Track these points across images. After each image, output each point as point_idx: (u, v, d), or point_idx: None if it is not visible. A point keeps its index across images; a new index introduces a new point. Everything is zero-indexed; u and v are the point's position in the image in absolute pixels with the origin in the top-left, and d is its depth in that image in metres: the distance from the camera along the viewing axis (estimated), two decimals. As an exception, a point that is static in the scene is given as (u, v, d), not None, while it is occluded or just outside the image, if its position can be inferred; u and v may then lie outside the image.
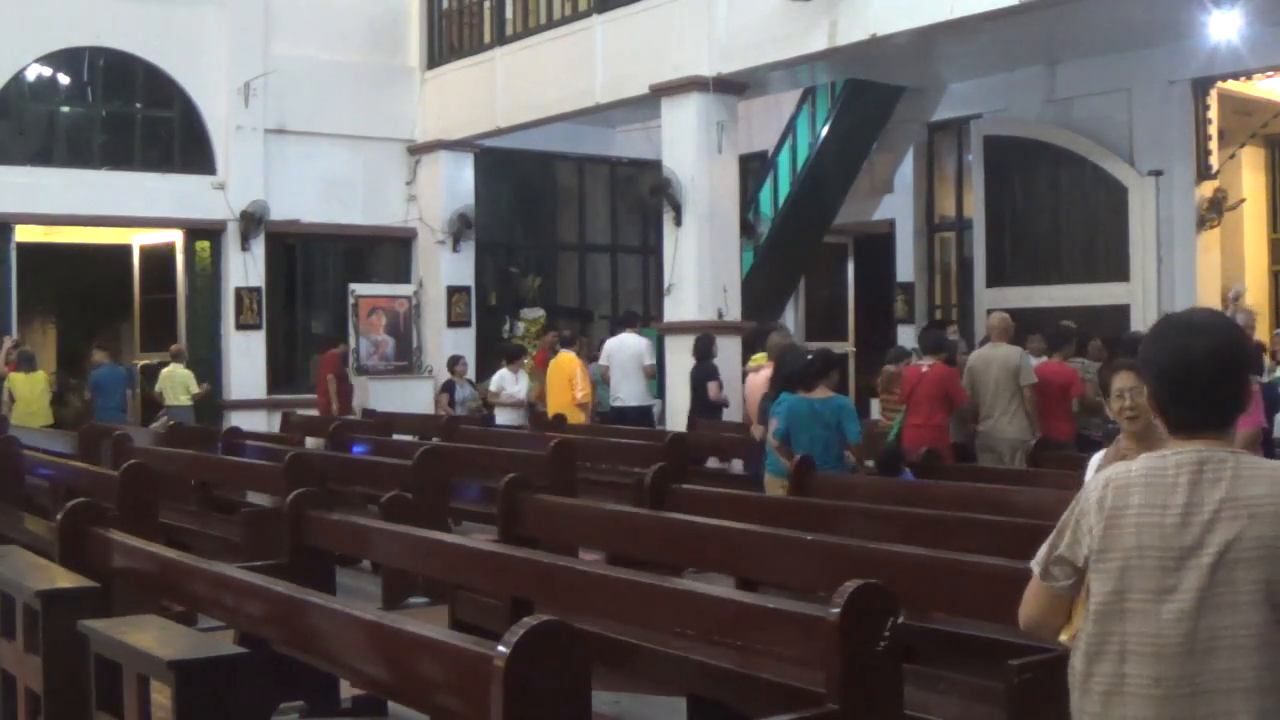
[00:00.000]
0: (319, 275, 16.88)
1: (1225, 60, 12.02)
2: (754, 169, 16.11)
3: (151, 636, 3.89)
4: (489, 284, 17.20)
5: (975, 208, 14.53)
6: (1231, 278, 14.07)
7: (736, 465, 10.63)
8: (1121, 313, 12.55)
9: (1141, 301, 12.72)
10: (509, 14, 15.62)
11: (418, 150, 16.61)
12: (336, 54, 16.05)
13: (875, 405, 12.31)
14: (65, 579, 4.77)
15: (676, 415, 12.42)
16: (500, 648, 3.15)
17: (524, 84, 14.89)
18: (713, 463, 10.95)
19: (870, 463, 8.58)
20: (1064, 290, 13.29)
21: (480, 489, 9.66)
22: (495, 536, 6.48)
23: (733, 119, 12.71)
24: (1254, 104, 14.08)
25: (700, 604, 4.15)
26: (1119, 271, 13.07)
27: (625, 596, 4.46)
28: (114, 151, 15.18)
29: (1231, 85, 13.23)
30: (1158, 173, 12.85)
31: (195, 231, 15.49)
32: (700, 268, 12.48)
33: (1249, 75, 12.97)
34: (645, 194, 13.36)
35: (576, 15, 14.41)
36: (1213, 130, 13.18)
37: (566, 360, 12.76)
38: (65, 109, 15.30)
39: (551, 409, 12.55)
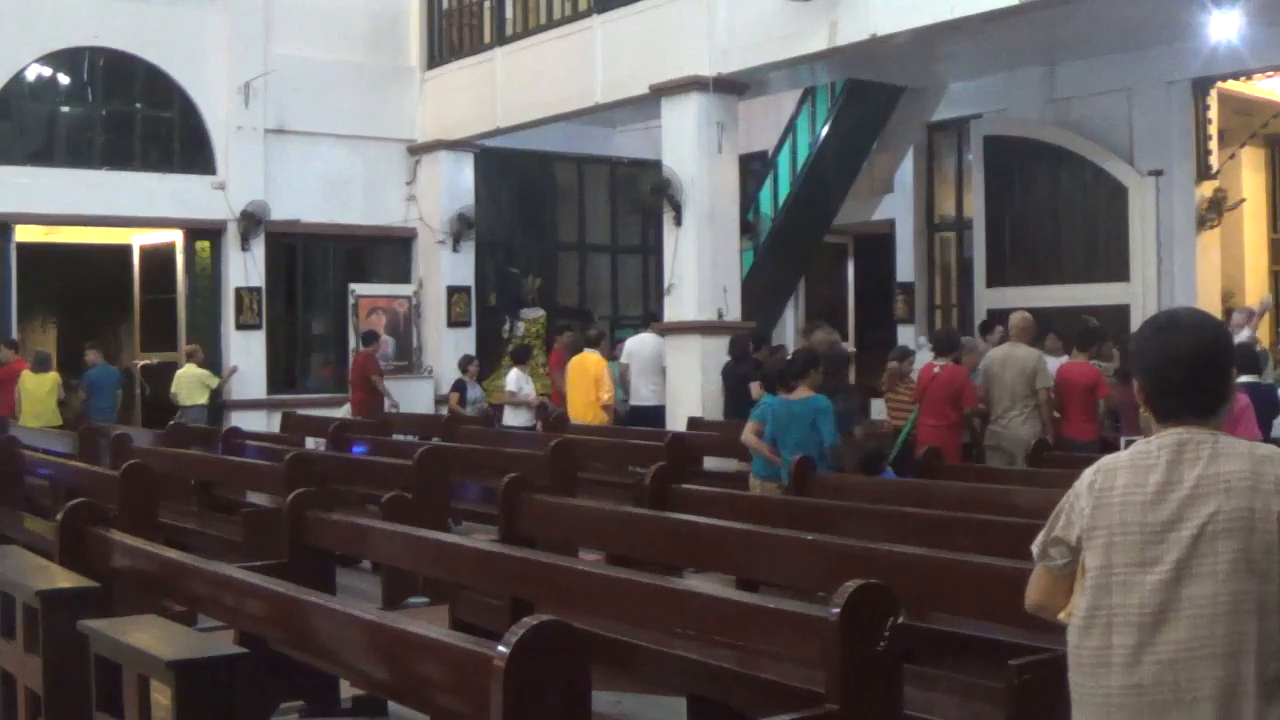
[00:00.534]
0: (319, 275, 16.87)
1: (1225, 60, 12.02)
2: (754, 169, 16.11)
3: (151, 636, 3.90)
4: (489, 284, 17.20)
5: (975, 208, 14.53)
6: (1231, 278, 14.08)
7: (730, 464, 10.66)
8: (1121, 313, 12.54)
9: (1141, 301, 12.71)
10: (509, 14, 15.62)
11: (418, 150, 16.62)
12: (336, 54, 16.05)
13: (877, 405, 12.32)
14: (65, 579, 4.78)
15: (678, 415, 12.42)
16: (500, 648, 3.16)
17: (524, 84, 14.89)
18: (712, 463, 10.94)
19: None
20: (1064, 290, 13.29)
21: (480, 489, 9.66)
22: (495, 536, 6.48)
23: (733, 119, 12.70)
24: (1254, 104, 14.08)
25: (700, 604, 4.15)
26: (1119, 271, 13.06)
27: (625, 596, 4.46)
28: (114, 151, 15.17)
29: (1231, 85, 13.22)
30: (1158, 173, 12.85)
31: (195, 231, 15.49)
32: (700, 268, 12.47)
33: (1249, 75, 12.97)
34: (645, 194, 13.35)
35: (576, 15, 14.40)
36: (1213, 130, 13.18)
37: (592, 360, 12.68)
38: (65, 109, 15.29)
39: (574, 409, 12.42)
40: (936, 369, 9.77)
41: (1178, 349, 2.52)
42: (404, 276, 16.88)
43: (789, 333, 16.72)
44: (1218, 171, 13.32)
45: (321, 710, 5.44)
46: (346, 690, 5.39)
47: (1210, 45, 11.86)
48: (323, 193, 15.99)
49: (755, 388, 11.63)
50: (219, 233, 15.48)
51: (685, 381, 12.59)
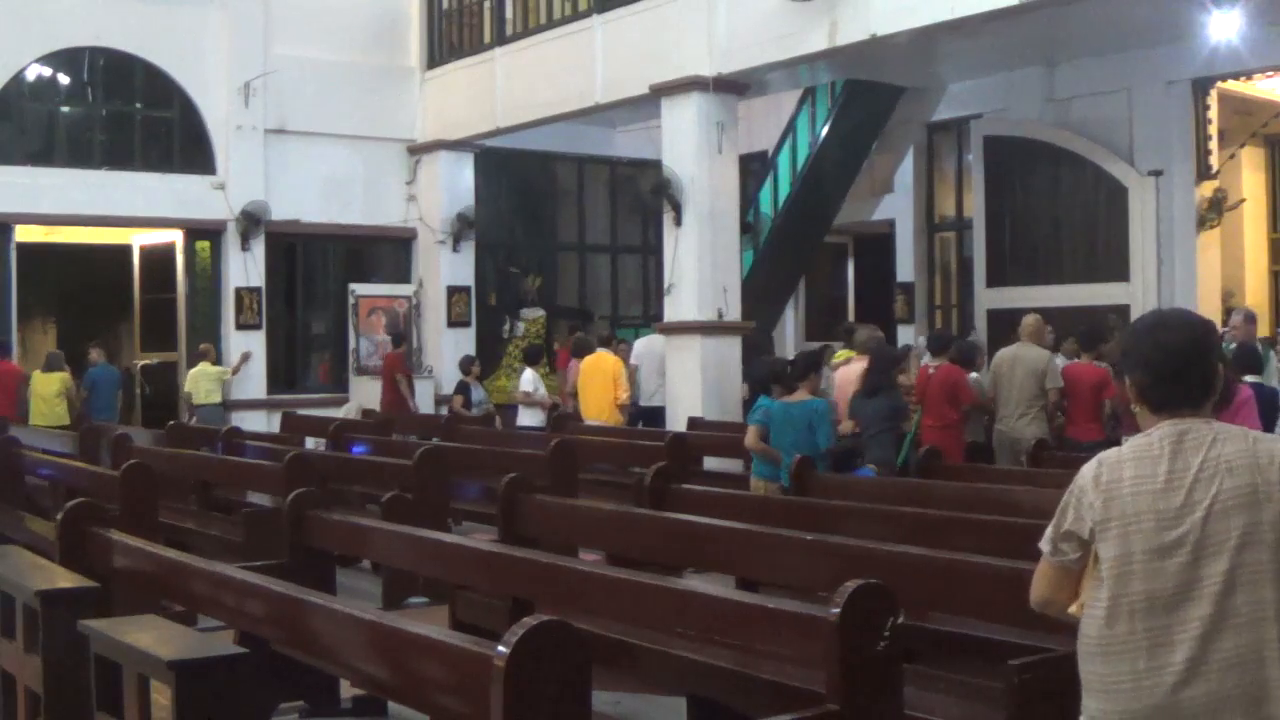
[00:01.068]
0: (319, 275, 16.87)
1: (1225, 60, 12.02)
2: (754, 169, 16.11)
3: (151, 636, 3.89)
4: (489, 284, 17.20)
5: (975, 208, 14.53)
6: (1231, 278, 14.09)
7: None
8: (1121, 313, 12.54)
9: (1141, 301, 12.71)
10: (509, 14, 15.62)
11: (418, 150, 16.62)
12: (336, 54, 16.05)
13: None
14: (65, 579, 4.78)
15: (678, 415, 12.41)
16: (500, 648, 3.16)
17: (524, 84, 14.89)
18: (712, 463, 10.94)
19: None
20: (1064, 290, 13.30)
21: (480, 489, 9.67)
22: (495, 536, 6.48)
23: (733, 119, 12.70)
24: (1254, 104, 14.09)
25: (700, 604, 4.15)
26: (1119, 271, 13.07)
27: (625, 596, 4.46)
28: (114, 151, 15.17)
29: (1231, 85, 13.23)
30: (1158, 173, 12.85)
31: (195, 231, 15.49)
32: (700, 268, 12.47)
33: (1249, 75, 12.98)
34: (645, 194, 13.35)
35: (576, 15, 14.40)
36: (1213, 130, 13.19)
37: (609, 361, 12.65)
38: (65, 109, 15.29)
39: (589, 409, 12.38)
40: (932, 369, 9.79)
41: (1170, 343, 2.66)
42: (404, 276, 16.88)
43: (789, 333, 16.74)
44: (1218, 171, 13.33)
45: (321, 710, 5.44)
46: (346, 690, 5.39)
47: (1210, 45, 11.86)
48: (323, 193, 15.99)
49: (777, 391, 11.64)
50: (219, 233, 15.49)
51: (685, 381, 12.58)
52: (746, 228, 14.45)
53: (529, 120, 15.04)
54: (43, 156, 14.82)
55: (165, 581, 5.29)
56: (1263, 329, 12.64)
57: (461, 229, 16.33)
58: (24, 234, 14.73)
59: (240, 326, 15.42)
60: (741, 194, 13.59)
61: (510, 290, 17.26)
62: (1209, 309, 12.24)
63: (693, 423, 11.91)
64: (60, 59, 14.86)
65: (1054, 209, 13.80)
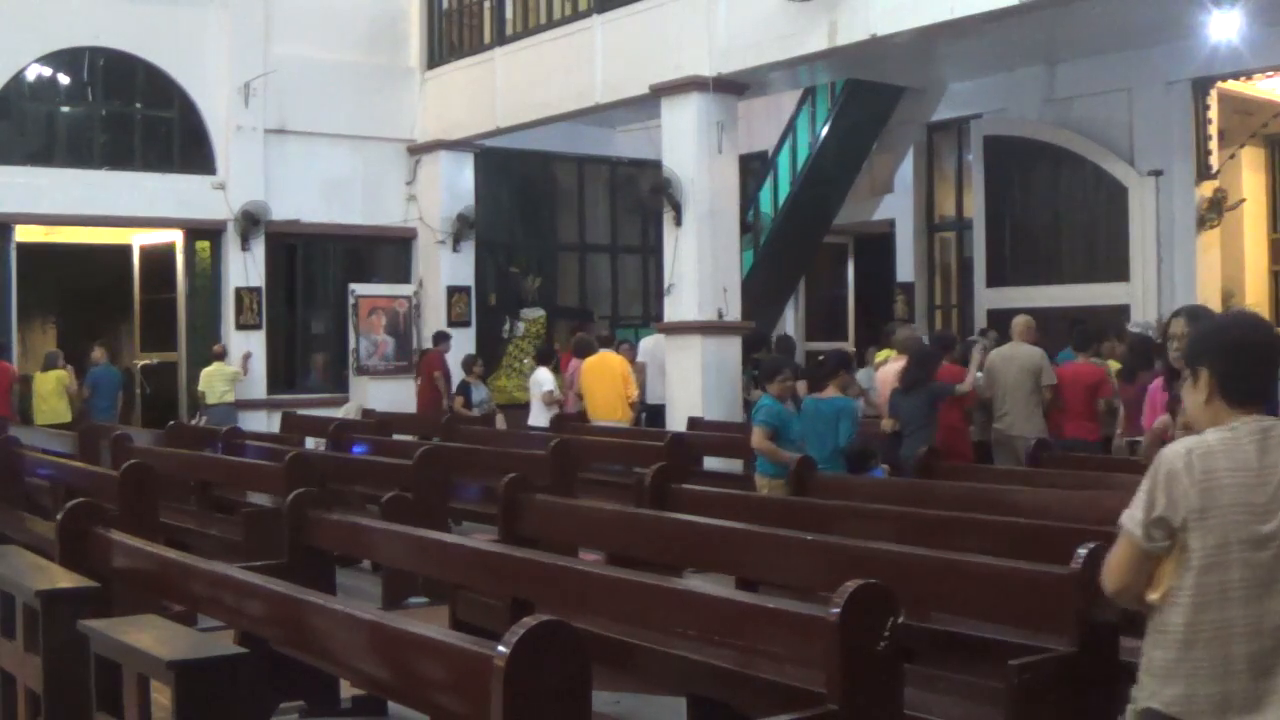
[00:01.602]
0: (319, 275, 16.87)
1: (1225, 60, 12.02)
2: (754, 169, 16.11)
3: (151, 636, 3.89)
4: (489, 284, 17.20)
5: (975, 208, 14.53)
6: (1231, 278, 14.09)
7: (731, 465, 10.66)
8: (1121, 313, 12.55)
9: (1141, 301, 12.73)
10: (509, 14, 15.62)
11: (418, 150, 16.62)
12: (336, 54, 16.05)
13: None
14: (65, 579, 4.77)
15: (678, 415, 12.42)
16: (500, 648, 3.15)
17: (524, 84, 14.89)
18: (712, 463, 10.95)
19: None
20: (1064, 290, 13.30)
21: (480, 489, 9.66)
22: (495, 536, 6.47)
23: (733, 119, 12.70)
24: (1254, 104, 14.08)
25: (700, 604, 4.15)
26: (1119, 271, 13.07)
27: (625, 596, 4.46)
28: (114, 151, 15.17)
29: (1231, 85, 13.23)
30: (1158, 173, 12.86)
31: (195, 231, 15.49)
32: (700, 268, 12.47)
33: (1249, 75, 12.98)
34: (645, 194, 13.35)
35: (576, 15, 14.40)
36: (1213, 130, 13.19)
37: (616, 360, 12.65)
38: (65, 109, 15.29)
39: (597, 409, 12.38)
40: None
41: (1256, 339, 2.81)
42: (404, 276, 16.88)
43: (789, 333, 16.70)
44: (1218, 171, 13.32)
45: (321, 710, 5.44)
46: (346, 690, 5.39)
47: (1210, 45, 11.87)
48: (323, 193, 15.99)
49: (801, 386, 11.64)
50: (219, 233, 15.48)
51: (685, 381, 12.58)
52: (746, 228, 14.45)
53: (529, 120, 15.04)
54: (43, 156, 14.82)
55: (165, 581, 5.29)
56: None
57: (461, 229, 16.33)
58: (24, 234, 14.73)
59: (240, 326, 15.42)
60: (741, 194, 13.60)
61: (510, 290, 17.26)
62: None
63: (693, 423, 11.91)
64: (60, 59, 14.86)
65: (1054, 209, 13.80)
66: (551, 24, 14.85)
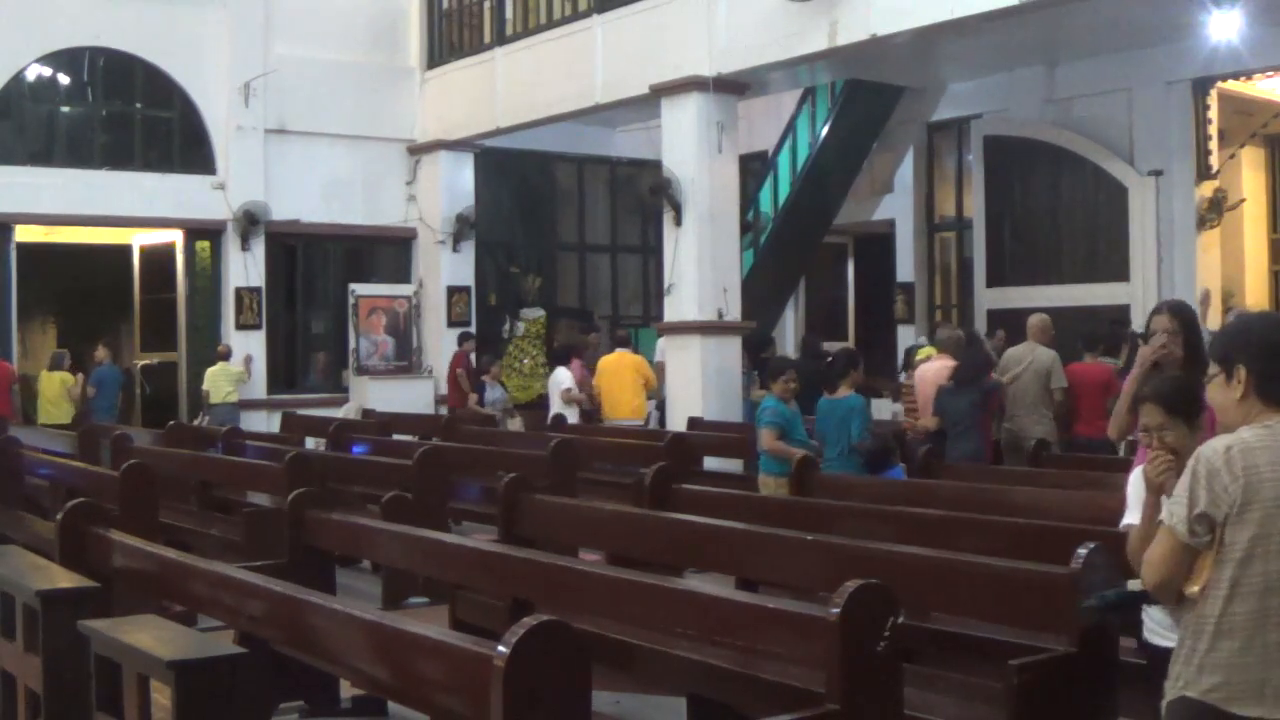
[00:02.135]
0: (319, 275, 16.87)
1: (1225, 60, 12.02)
2: (754, 169, 16.11)
3: (151, 636, 3.90)
4: (489, 284, 17.20)
5: (975, 208, 14.53)
6: (1231, 278, 14.09)
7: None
8: (1121, 313, 12.54)
9: (1142, 301, 12.70)
10: (509, 14, 15.61)
11: (418, 150, 16.61)
12: (336, 54, 16.05)
13: (878, 405, 12.28)
14: (65, 579, 4.78)
15: (678, 415, 12.42)
16: (500, 648, 3.16)
17: (524, 84, 14.88)
18: (712, 463, 10.95)
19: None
20: (1064, 290, 13.29)
21: (480, 489, 9.66)
22: (495, 536, 6.48)
23: (733, 119, 12.69)
24: (1254, 104, 14.08)
25: (700, 604, 4.15)
26: (1119, 271, 13.06)
27: (625, 596, 4.46)
28: (114, 151, 15.17)
29: (1231, 85, 13.22)
30: (1158, 173, 12.85)
31: (195, 231, 15.48)
32: (700, 268, 12.47)
33: (1249, 75, 12.97)
34: (645, 194, 13.35)
35: (576, 15, 14.40)
36: (1213, 130, 13.18)
37: (634, 360, 12.70)
38: (65, 109, 15.28)
39: (616, 408, 12.41)
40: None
41: None
42: (404, 276, 16.88)
43: (789, 333, 16.73)
44: (1218, 171, 13.32)
45: (321, 710, 5.44)
46: (346, 690, 5.39)
47: (1210, 45, 11.86)
48: (323, 193, 15.99)
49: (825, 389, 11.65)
50: (219, 233, 15.48)
51: (685, 381, 12.58)
52: (746, 228, 14.44)
53: (529, 120, 15.04)
54: (43, 156, 14.81)
55: (165, 581, 5.29)
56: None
57: (461, 229, 16.33)
58: (24, 234, 14.73)
59: (240, 326, 15.42)
60: (741, 194, 13.59)
61: (510, 290, 17.25)
62: (1209, 309, 12.25)
63: (693, 423, 11.91)
64: (60, 59, 14.86)
65: (1054, 209, 13.79)
66: (551, 24, 14.85)
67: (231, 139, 15.37)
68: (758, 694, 4.31)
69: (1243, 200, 14.41)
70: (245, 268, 15.45)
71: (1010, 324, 12.10)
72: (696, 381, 12.45)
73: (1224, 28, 11.40)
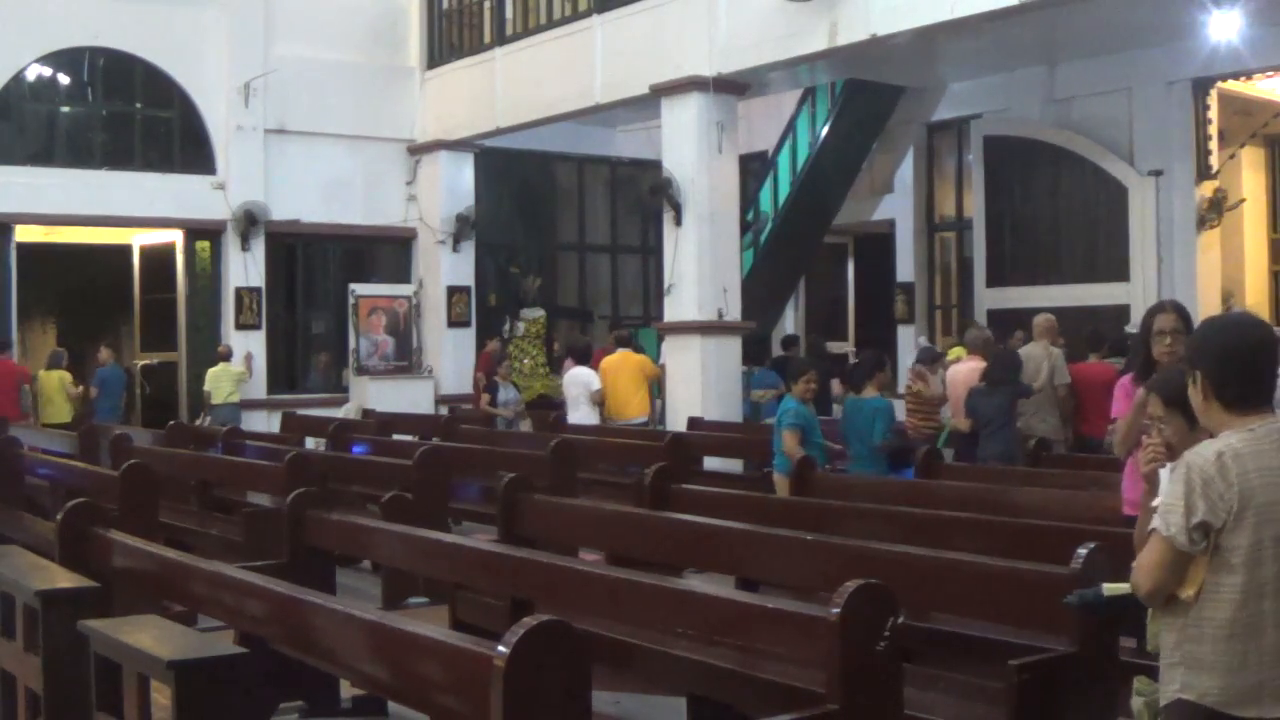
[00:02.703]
0: (319, 275, 16.87)
1: (1225, 60, 12.02)
2: (754, 169, 16.11)
3: (151, 636, 3.90)
4: (489, 284, 17.20)
5: (975, 208, 14.52)
6: (1231, 278, 14.08)
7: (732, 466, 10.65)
8: (1121, 313, 12.54)
9: (1141, 301, 12.68)
10: (509, 14, 15.62)
11: (418, 150, 16.62)
12: (336, 54, 16.05)
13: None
14: (65, 579, 4.78)
15: (678, 415, 12.42)
16: (500, 648, 3.16)
17: (524, 84, 14.88)
18: (712, 463, 10.94)
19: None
20: (1064, 290, 13.29)
21: (480, 489, 9.66)
22: (495, 536, 6.48)
23: (733, 119, 12.70)
24: (1254, 104, 14.08)
25: (700, 604, 4.15)
26: (1119, 271, 13.06)
27: (625, 596, 4.46)
28: (114, 151, 15.17)
29: (1231, 85, 13.22)
30: (1158, 173, 12.85)
31: (195, 231, 15.48)
32: (700, 268, 12.47)
33: (1249, 75, 12.97)
34: (645, 194, 13.34)
35: (576, 15, 14.40)
36: (1213, 130, 13.18)
37: (637, 359, 12.71)
38: (65, 109, 15.29)
39: (624, 408, 12.39)
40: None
41: (1255, 340, 2.88)
42: (404, 276, 16.88)
43: (789, 332, 16.71)
44: (1218, 171, 13.32)
45: (321, 710, 5.44)
46: (346, 690, 5.39)
47: (1210, 45, 11.86)
48: (323, 193, 15.99)
49: (835, 384, 11.68)
50: (219, 233, 15.48)
51: (685, 381, 12.59)
52: (746, 228, 14.44)
53: (529, 120, 15.04)
54: (43, 156, 14.82)
55: (165, 581, 5.29)
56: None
57: (461, 229, 16.33)
58: (24, 234, 14.74)
59: (240, 326, 15.42)
60: (741, 194, 13.60)
61: (510, 290, 17.25)
62: (1208, 309, 12.24)
63: (693, 423, 11.91)
64: (60, 59, 14.86)
65: (1054, 209, 13.79)
66: (551, 24, 14.85)
67: (231, 139, 15.37)
68: (758, 694, 4.31)
69: (1243, 200, 14.40)
70: (245, 268, 15.46)
71: (1010, 324, 12.11)
72: (696, 381, 12.45)
73: (1224, 28, 11.40)
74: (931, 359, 11.00)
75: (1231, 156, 14.14)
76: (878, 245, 16.44)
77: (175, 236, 15.57)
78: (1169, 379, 3.55)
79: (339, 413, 14.14)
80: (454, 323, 16.43)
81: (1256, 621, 2.74)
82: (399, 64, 16.70)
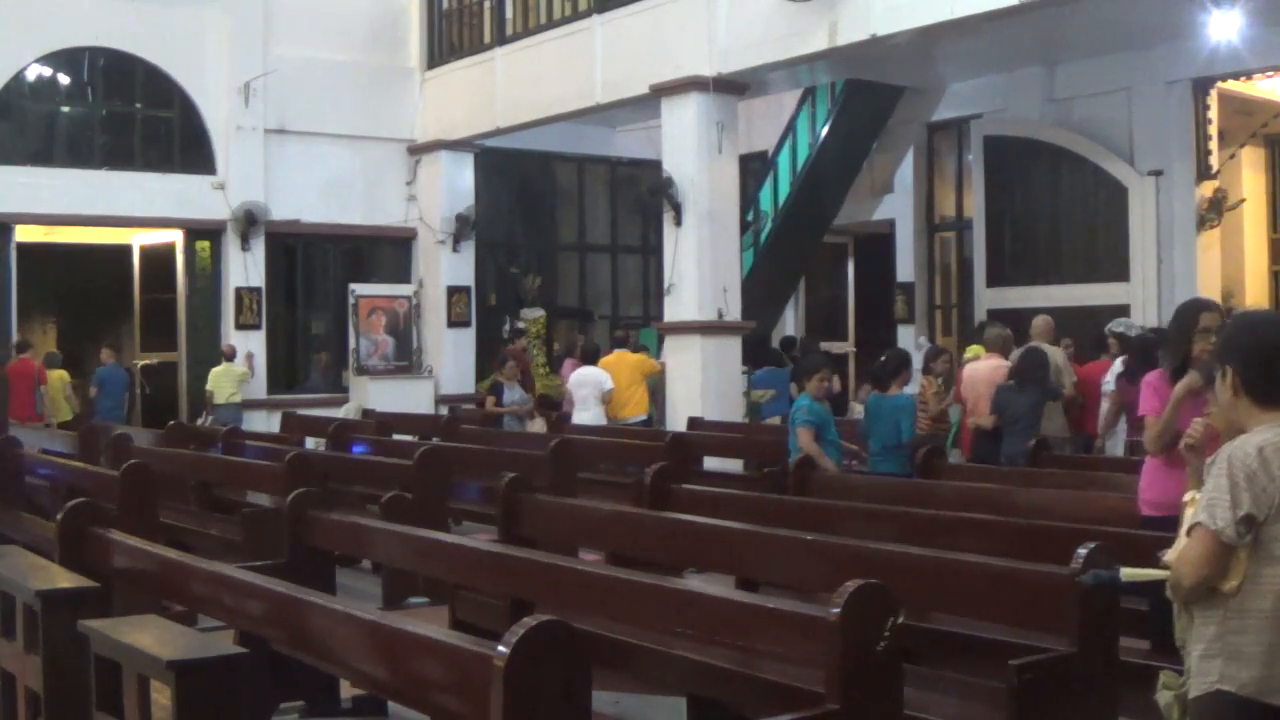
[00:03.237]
0: (319, 275, 16.88)
1: (1225, 60, 12.02)
2: (754, 169, 16.11)
3: (151, 636, 3.89)
4: (489, 284, 17.20)
5: (975, 208, 14.52)
6: (1231, 278, 14.08)
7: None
8: (1121, 313, 12.52)
9: (1141, 301, 12.72)
10: (509, 14, 15.62)
11: (418, 150, 16.61)
12: (336, 54, 16.05)
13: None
14: (65, 579, 4.77)
15: (678, 415, 12.42)
16: (500, 648, 3.16)
17: (524, 84, 14.88)
18: (712, 463, 10.94)
19: None
20: (1064, 290, 13.29)
21: (480, 489, 9.65)
22: (495, 536, 6.47)
23: (733, 119, 12.70)
24: (1254, 104, 14.08)
25: (700, 604, 4.15)
26: (1119, 271, 13.06)
27: (625, 596, 4.46)
28: (114, 151, 15.17)
29: (1231, 85, 13.23)
30: (1158, 173, 12.85)
31: (195, 231, 15.49)
32: (700, 268, 12.47)
33: (1249, 75, 12.97)
34: (645, 194, 13.34)
35: (576, 15, 14.40)
36: (1213, 130, 13.18)
37: (634, 359, 12.74)
38: (65, 109, 15.29)
39: (623, 407, 12.43)
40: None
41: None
42: (404, 276, 16.88)
43: (789, 333, 16.72)
44: (1218, 171, 13.32)
45: (321, 710, 5.44)
46: (346, 690, 5.39)
47: (1210, 45, 11.86)
48: (323, 193, 15.99)
49: (866, 388, 11.68)
50: (219, 233, 15.49)
51: (685, 381, 12.59)
52: (746, 228, 14.44)
53: (529, 120, 15.04)
54: (43, 156, 14.82)
55: (165, 581, 5.29)
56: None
57: (461, 229, 16.33)
58: (24, 234, 14.74)
59: (240, 326, 15.43)
60: (741, 194, 13.59)
61: (510, 290, 17.25)
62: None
63: (693, 423, 11.91)
64: (60, 59, 14.86)
65: (1054, 209, 13.79)
66: (551, 24, 14.85)
67: (231, 139, 15.37)
68: (758, 694, 4.31)
69: (1243, 200, 14.40)
70: (245, 268, 15.46)
71: (1010, 324, 12.08)
72: (696, 381, 12.45)
73: (1224, 28, 11.40)
74: (934, 357, 10.99)
75: (1231, 156, 14.15)
76: (878, 245, 16.44)
77: (175, 236, 15.57)
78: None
79: (339, 413, 14.12)
80: (454, 323, 16.43)
81: None
82: (399, 64, 16.70)
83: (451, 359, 16.31)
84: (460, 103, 16.03)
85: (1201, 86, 12.96)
